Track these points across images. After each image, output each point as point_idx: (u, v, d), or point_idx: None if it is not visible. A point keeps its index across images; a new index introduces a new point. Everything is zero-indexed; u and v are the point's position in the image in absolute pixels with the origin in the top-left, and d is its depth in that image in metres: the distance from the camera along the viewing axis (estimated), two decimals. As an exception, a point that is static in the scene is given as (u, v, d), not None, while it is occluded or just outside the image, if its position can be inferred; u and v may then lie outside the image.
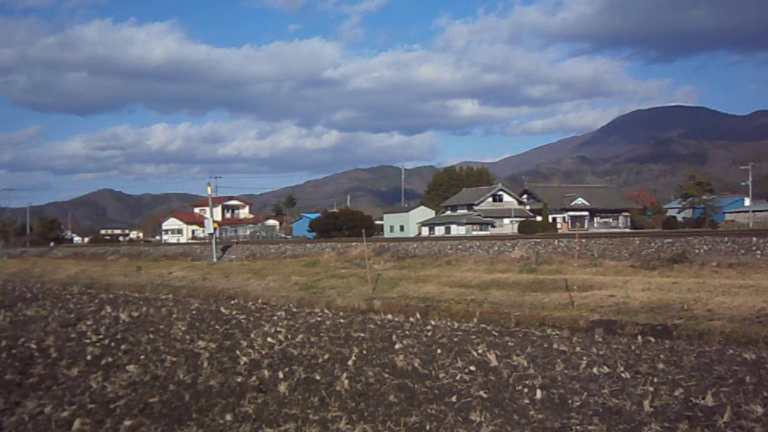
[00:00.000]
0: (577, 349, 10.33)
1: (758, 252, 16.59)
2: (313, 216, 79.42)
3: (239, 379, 8.61)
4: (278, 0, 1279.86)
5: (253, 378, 8.64)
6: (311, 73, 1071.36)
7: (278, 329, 12.95)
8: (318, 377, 8.59)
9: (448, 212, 78.17)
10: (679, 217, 69.56)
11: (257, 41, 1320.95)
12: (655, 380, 8.07)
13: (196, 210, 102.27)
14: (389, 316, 14.97)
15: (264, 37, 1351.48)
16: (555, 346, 10.60)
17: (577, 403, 7.14)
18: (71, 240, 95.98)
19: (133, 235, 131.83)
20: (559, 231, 61.90)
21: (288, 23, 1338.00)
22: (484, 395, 7.53)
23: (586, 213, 77.28)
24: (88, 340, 12.28)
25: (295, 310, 16.96)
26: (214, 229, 34.22)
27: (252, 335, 12.31)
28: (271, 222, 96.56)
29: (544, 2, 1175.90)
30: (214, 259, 31.60)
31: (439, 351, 10.27)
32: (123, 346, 11.48)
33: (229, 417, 6.98)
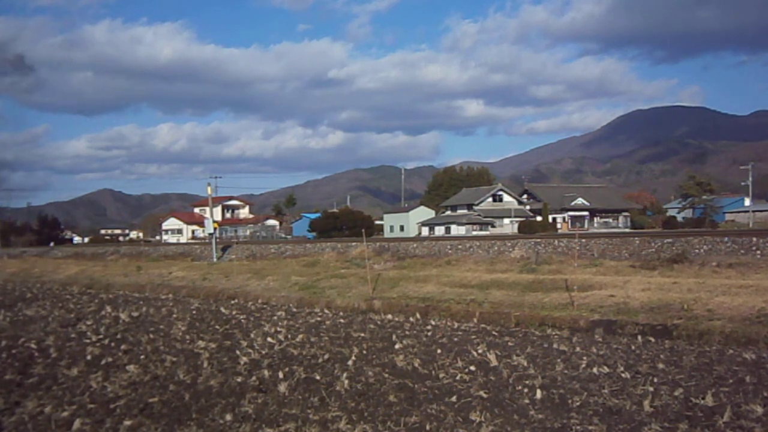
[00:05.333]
0: (577, 349, 10.33)
1: (758, 252, 16.58)
2: (313, 216, 79.49)
3: (239, 379, 8.61)
4: (287, 0, 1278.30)
5: (253, 378, 8.64)
6: (317, 73, 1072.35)
7: (278, 329, 12.95)
8: (318, 377, 8.59)
9: (448, 212, 78.18)
10: (679, 217, 69.56)
11: (265, 41, 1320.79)
12: (655, 380, 8.07)
13: (196, 210, 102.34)
14: (389, 316, 14.97)
15: (272, 38, 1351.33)
16: (555, 346, 10.59)
17: (577, 403, 7.14)
18: (71, 240, 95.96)
19: (133, 235, 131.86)
20: (559, 231, 61.89)
21: (297, 23, 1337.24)
22: (484, 395, 7.53)
23: (586, 213, 77.30)
24: (88, 340, 12.27)
25: (295, 310, 16.96)
26: (214, 229, 34.21)
27: (252, 335, 12.30)
28: (271, 222, 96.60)
29: (552, 2, 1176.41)
30: (214, 259, 31.59)
31: (439, 351, 10.26)
32: (123, 346, 11.48)
33: (229, 417, 6.98)
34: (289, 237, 72.62)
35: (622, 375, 8.39)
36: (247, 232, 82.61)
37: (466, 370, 8.84)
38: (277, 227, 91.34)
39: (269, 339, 11.72)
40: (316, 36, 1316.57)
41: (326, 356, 10.00)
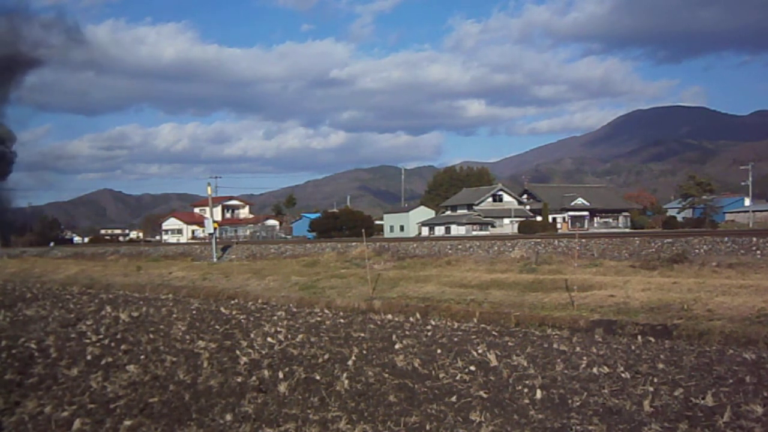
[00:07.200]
0: (577, 349, 10.33)
1: (758, 252, 16.59)
2: (313, 216, 79.53)
3: (239, 379, 8.61)
4: (290, 0, 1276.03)
5: (253, 378, 8.63)
6: (320, 73, 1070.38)
7: (278, 329, 12.95)
8: (318, 377, 8.58)
9: (448, 212, 78.22)
10: (679, 217, 69.58)
11: (268, 41, 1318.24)
12: (655, 380, 8.07)
13: (196, 210, 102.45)
14: (389, 316, 14.97)
15: (275, 38, 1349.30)
16: (555, 346, 10.59)
17: (577, 403, 7.14)
18: (71, 240, 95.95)
19: (133, 235, 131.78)
20: (559, 231, 61.90)
21: (300, 23, 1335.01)
22: (484, 395, 7.53)
23: (586, 213, 77.37)
24: (88, 340, 12.27)
25: (295, 310, 16.96)
26: (214, 229, 34.23)
27: (252, 335, 12.30)
28: (271, 222, 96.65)
29: (555, 2, 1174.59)
30: (214, 259, 31.60)
31: (439, 351, 10.26)
32: (123, 346, 11.47)
33: (229, 417, 6.98)
34: (289, 237, 72.63)
35: (622, 375, 8.39)
36: (247, 232, 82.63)
37: (466, 370, 8.84)
38: (277, 227, 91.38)
39: (269, 339, 11.72)
40: (320, 36, 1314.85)
41: (326, 356, 10.00)
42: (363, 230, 24.09)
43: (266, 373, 8.91)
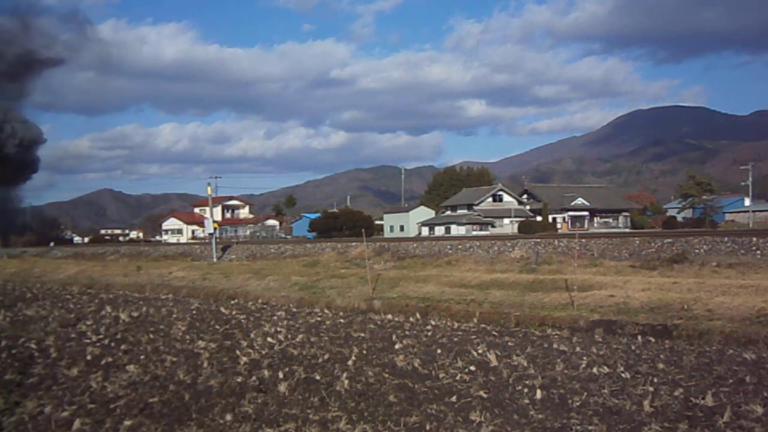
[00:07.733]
0: (577, 349, 10.33)
1: (758, 252, 16.59)
2: (314, 216, 79.54)
3: (239, 379, 8.61)
4: (291, 0, 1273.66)
5: (253, 378, 8.64)
6: (320, 73, 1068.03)
7: (278, 329, 12.95)
8: (318, 377, 8.59)
9: (448, 212, 78.17)
10: (679, 217, 69.60)
11: (269, 41, 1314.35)
12: (655, 380, 8.08)
13: (196, 210, 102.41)
14: (389, 316, 14.97)
15: (276, 38, 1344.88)
16: (555, 346, 10.60)
17: (577, 403, 7.14)
18: (71, 240, 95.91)
19: (133, 235, 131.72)
20: (559, 231, 61.89)
21: (301, 23, 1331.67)
22: (484, 395, 7.53)
23: (586, 213, 77.30)
24: (88, 340, 12.28)
25: (295, 310, 16.96)
26: (214, 229, 34.21)
27: (252, 335, 12.31)
28: (271, 222, 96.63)
29: (556, 1, 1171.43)
30: (214, 259, 31.60)
31: (439, 351, 10.27)
32: (123, 346, 11.48)
33: (229, 417, 6.98)
34: (289, 237, 72.62)
35: (622, 375, 8.40)
36: (247, 232, 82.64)
37: (466, 370, 8.84)
38: (277, 227, 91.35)
39: (269, 339, 11.72)
40: (320, 36, 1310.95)
41: (326, 356, 10.00)
42: (363, 230, 24.11)
43: (266, 373, 8.92)
